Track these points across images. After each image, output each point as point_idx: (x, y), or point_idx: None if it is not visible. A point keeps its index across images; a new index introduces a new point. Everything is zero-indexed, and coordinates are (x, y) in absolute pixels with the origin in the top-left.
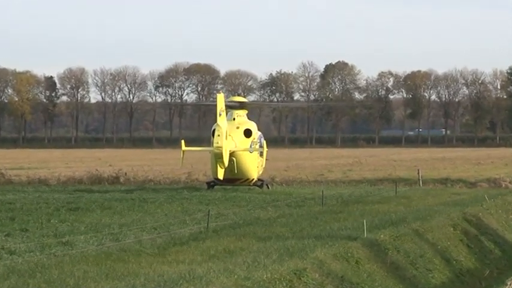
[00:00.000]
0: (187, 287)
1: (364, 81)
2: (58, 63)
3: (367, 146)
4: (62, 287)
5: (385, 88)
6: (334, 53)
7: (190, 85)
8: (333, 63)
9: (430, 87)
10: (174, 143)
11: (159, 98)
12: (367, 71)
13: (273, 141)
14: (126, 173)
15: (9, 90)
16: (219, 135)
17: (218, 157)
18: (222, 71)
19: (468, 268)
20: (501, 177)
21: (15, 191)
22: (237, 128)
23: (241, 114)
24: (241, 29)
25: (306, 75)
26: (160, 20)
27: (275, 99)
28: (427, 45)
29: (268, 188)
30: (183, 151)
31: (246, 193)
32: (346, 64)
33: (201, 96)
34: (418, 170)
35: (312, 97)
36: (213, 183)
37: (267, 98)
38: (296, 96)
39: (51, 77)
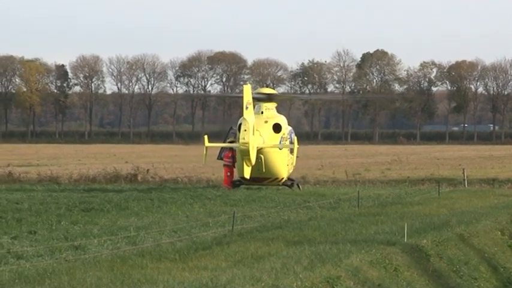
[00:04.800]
0: None
1: (405, 72)
2: (70, 50)
3: (408, 142)
4: None
5: (427, 79)
6: (372, 40)
7: (215, 75)
8: (371, 51)
9: (476, 78)
10: (196, 138)
11: (180, 89)
12: (408, 60)
13: (304, 137)
14: (148, 170)
15: (17, 80)
16: (245, 130)
17: (244, 154)
18: (249, 60)
19: None
20: None
21: (22, 190)
22: (265, 122)
23: (270, 108)
24: (270, 15)
25: (341, 64)
26: (182, 4)
27: (307, 91)
28: (474, 33)
29: (299, 188)
30: (206, 147)
31: (274, 194)
32: (385, 53)
33: (226, 88)
34: (463, 169)
35: (347, 89)
36: (239, 182)
37: (298, 89)
38: (330, 88)
39: (63, 65)
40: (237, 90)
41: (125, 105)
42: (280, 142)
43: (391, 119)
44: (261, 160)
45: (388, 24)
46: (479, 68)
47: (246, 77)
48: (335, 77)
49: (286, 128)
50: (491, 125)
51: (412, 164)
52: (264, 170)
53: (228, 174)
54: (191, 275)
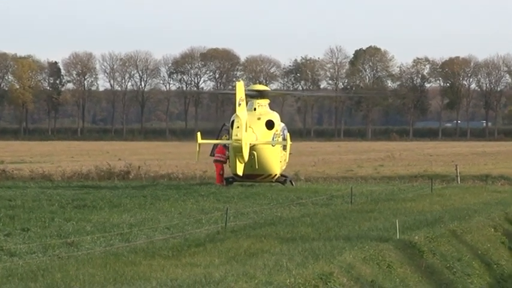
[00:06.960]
0: None
1: (398, 69)
2: (63, 47)
3: (401, 139)
4: None
5: (420, 76)
6: (365, 37)
7: (208, 72)
8: (364, 48)
9: (469, 75)
10: (189, 135)
11: (173, 86)
12: (401, 57)
13: (297, 134)
14: (139, 167)
15: (10, 77)
16: (238, 127)
17: (237, 151)
18: (242, 56)
19: (510, 273)
20: None
21: (15, 187)
22: (258, 119)
23: (262, 104)
24: (263, 11)
25: (334, 61)
26: (175, 1)
27: (300, 88)
28: (466, 29)
29: (292, 184)
30: (199, 144)
31: (267, 190)
32: (378, 49)
33: (219, 84)
34: (456, 165)
35: (340, 85)
36: (232, 179)
37: (291, 86)
38: (323, 85)
39: (56, 62)
40: (230, 87)
41: (117, 102)
42: (273, 139)
43: (384, 116)
44: (254, 157)
45: (381, 20)
46: (472, 64)
47: (238, 73)
48: (328, 73)
49: (279, 125)
50: (484, 122)
51: (405, 160)
52: (257, 167)
53: (221, 172)
54: (184, 272)
